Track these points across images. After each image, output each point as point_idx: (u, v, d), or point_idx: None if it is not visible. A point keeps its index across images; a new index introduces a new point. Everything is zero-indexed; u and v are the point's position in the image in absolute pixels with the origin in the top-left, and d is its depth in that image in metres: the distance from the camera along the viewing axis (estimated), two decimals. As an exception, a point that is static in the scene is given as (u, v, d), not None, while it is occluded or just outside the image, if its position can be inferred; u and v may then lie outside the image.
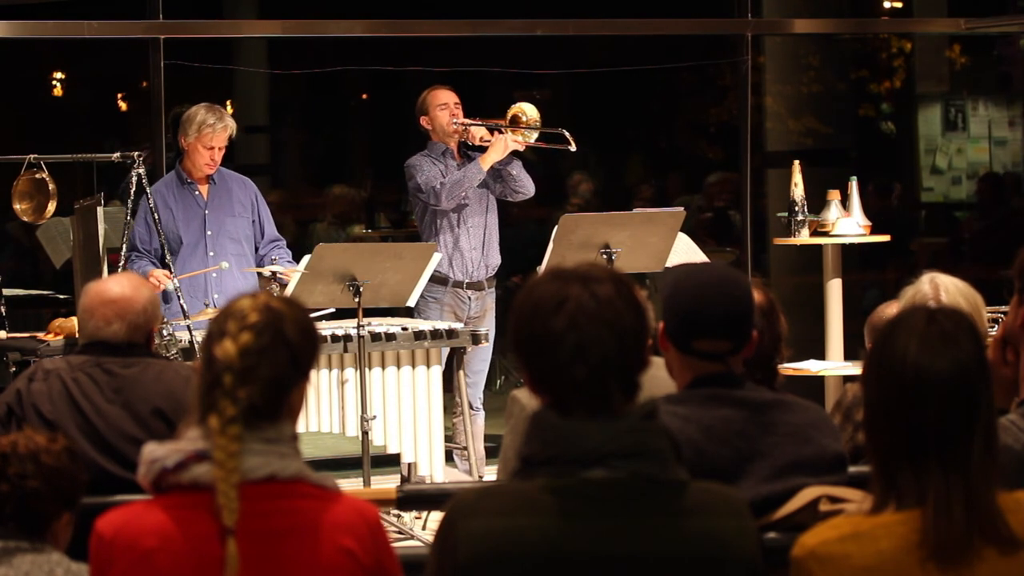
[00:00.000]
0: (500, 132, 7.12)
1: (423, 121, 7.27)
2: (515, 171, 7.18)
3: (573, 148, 7.13)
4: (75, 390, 4.03)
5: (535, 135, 7.16)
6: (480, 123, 7.22)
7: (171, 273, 6.36)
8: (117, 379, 4.04)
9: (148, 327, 4.08)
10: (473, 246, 7.19)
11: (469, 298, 7.19)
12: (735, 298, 3.06)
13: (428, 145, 7.26)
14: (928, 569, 2.43)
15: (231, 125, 6.80)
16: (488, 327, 7.07)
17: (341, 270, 6.25)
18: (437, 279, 6.84)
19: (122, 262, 6.09)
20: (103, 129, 12.31)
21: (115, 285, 4.08)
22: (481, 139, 7.20)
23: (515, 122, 7.18)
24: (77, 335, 4.41)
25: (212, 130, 6.72)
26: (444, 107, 7.23)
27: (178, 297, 6.17)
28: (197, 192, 6.85)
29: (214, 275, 6.74)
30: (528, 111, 7.17)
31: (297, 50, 10.74)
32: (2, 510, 3.15)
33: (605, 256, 6.73)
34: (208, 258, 6.78)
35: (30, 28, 7.98)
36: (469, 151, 7.28)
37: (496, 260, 7.31)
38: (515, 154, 7.16)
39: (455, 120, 7.21)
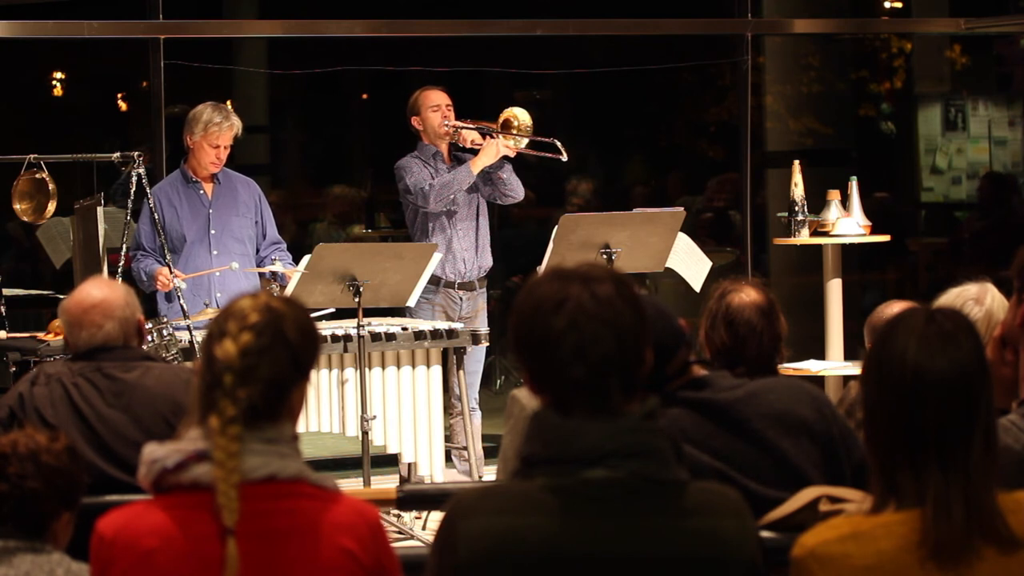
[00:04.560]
0: (492, 137, 7.11)
1: (414, 121, 7.27)
2: (505, 175, 7.17)
3: (564, 158, 7.11)
4: (76, 395, 4.04)
5: (526, 141, 7.15)
6: (471, 126, 7.21)
7: (176, 272, 6.37)
8: (118, 384, 4.04)
9: (135, 319, 4.10)
10: (465, 248, 7.19)
11: (461, 298, 7.19)
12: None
13: (418, 147, 7.25)
14: (928, 569, 2.43)
15: (237, 124, 6.81)
16: (480, 327, 7.07)
17: (341, 270, 6.25)
18: (429, 279, 6.83)
19: (122, 261, 6.09)
20: (103, 129, 12.31)
21: (93, 290, 4.10)
22: (472, 142, 7.19)
23: (507, 126, 7.16)
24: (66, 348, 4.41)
25: (218, 128, 6.73)
26: (436, 108, 7.22)
27: (178, 297, 6.17)
28: (202, 191, 6.86)
29: (217, 274, 6.75)
30: (521, 116, 7.16)
31: (297, 50, 10.74)
32: (1, 510, 3.15)
33: (605, 256, 6.73)
34: (212, 257, 6.79)
35: (30, 28, 7.98)
36: (459, 152, 7.27)
37: (488, 262, 7.31)
38: (507, 157, 7.16)
39: (446, 122, 7.20)
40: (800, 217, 7.22)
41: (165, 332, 5.81)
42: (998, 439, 2.53)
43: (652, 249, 6.91)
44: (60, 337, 6.09)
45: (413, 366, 6.54)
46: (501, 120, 7.18)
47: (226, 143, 6.79)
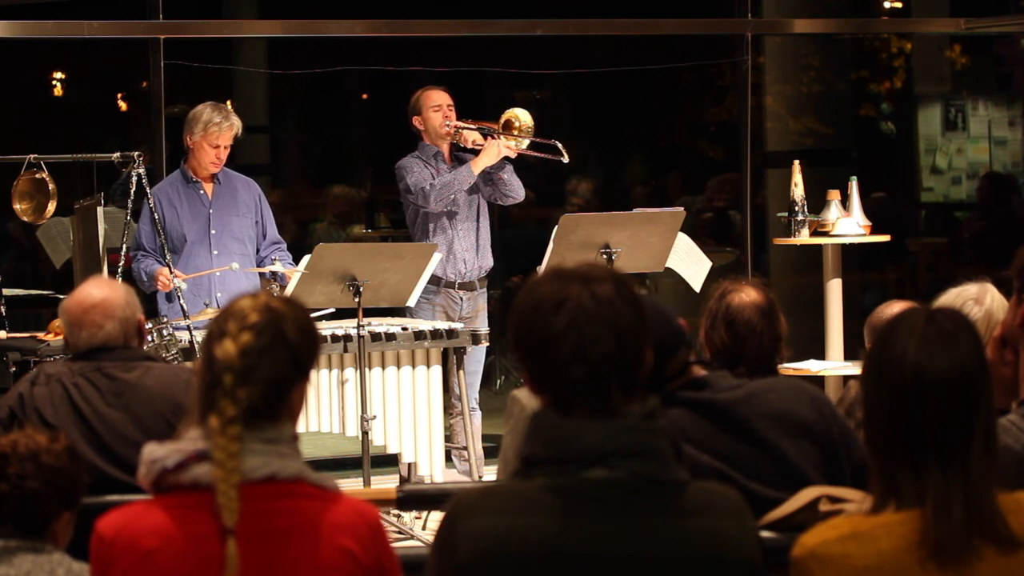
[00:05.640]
0: (493, 137, 7.11)
1: (416, 121, 7.26)
2: (506, 176, 7.17)
3: (566, 160, 7.11)
4: (76, 395, 4.04)
5: (527, 142, 7.15)
6: (473, 126, 7.21)
7: (176, 272, 6.36)
8: (118, 383, 4.04)
9: (136, 319, 4.11)
10: (466, 248, 7.18)
11: (461, 298, 7.19)
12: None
13: (419, 147, 7.25)
14: (928, 569, 2.43)
15: (237, 124, 6.81)
16: (481, 327, 7.06)
17: (341, 270, 6.25)
18: (430, 279, 6.83)
19: (122, 262, 6.09)
20: (103, 129, 12.31)
21: (93, 289, 4.10)
22: (474, 143, 7.18)
23: (508, 127, 7.16)
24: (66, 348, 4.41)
25: (218, 128, 6.73)
26: (438, 108, 7.22)
27: (179, 297, 6.17)
28: (202, 191, 6.86)
29: (218, 274, 6.75)
30: (522, 117, 7.16)
31: (297, 50, 10.75)
32: (1, 510, 3.15)
33: (605, 256, 6.73)
34: (212, 257, 6.79)
35: (30, 28, 7.98)
36: (460, 152, 7.27)
37: (489, 262, 7.30)
38: (508, 158, 7.15)
39: (448, 122, 7.19)
40: (800, 217, 7.22)
41: (165, 332, 5.81)
42: (998, 439, 2.53)
43: (652, 249, 6.91)
44: (60, 337, 6.09)
45: (413, 366, 6.54)
46: (503, 121, 7.17)
47: (226, 143, 6.79)
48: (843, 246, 7.31)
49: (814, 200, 7.25)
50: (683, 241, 7.09)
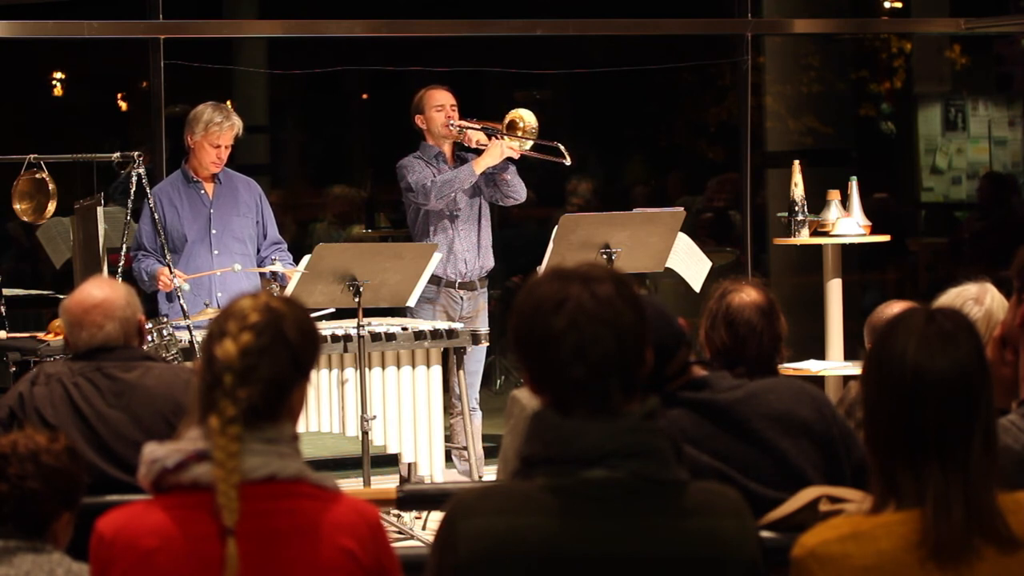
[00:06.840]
0: (497, 137, 7.11)
1: (418, 120, 7.26)
2: (509, 176, 7.16)
3: (568, 162, 7.10)
4: (76, 395, 4.04)
5: (531, 143, 7.15)
6: (476, 126, 7.20)
7: (176, 272, 6.36)
8: (118, 383, 4.04)
9: (136, 319, 4.11)
10: (467, 248, 7.18)
11: (461, 298, 7.18)
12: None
13: (420, 147, 7.24)
14: (928, 569, 2.43)
15: (238, 124, 6.81)
16: (481, 327, 7.06)
17: (341, 270, 6.25)
18: (430, 279, 6.82)
19: (122, 262, 6.08)
20: (103, 129, 12.31)
21: (94, 290, 4.10)
22: (478, 143, 7.18)
23: (512, 128, 7.15)
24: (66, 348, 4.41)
25: (219, 128, 6.73)
26: (440, 108, 7.21)
27: (179, 297, 6.17)
28: (203, 191, 6.86)
29: (218, 274, 6.75)
30: (526, 118, 7.15)
31: (297, 50, 10.74)
32: (1, 510, 3.15)
33: (605, 256, 6.73)
34: (213, 257, 6.79)
35: (30, 28, 7.98)
36: (463, 152, 7.27)
37: (490, 263, 7.30)
38: (511, 159, 7.15)
39: (451, 122, 7.19)
40: (800, 217, 7.22)
41: (165, 332, 5.81)
42: (998, 439, 2.53)
43: (652, 249, 6.91)
44: (60, 337, 6.09)
45: (413, 366, 6.54)
46: (507, 121, 7.17)
47: (227, 143, 6.79)
48: (843, 246, 7.31)
49: (814, 200, 7.26)
50: (683, 241, 7.09)
